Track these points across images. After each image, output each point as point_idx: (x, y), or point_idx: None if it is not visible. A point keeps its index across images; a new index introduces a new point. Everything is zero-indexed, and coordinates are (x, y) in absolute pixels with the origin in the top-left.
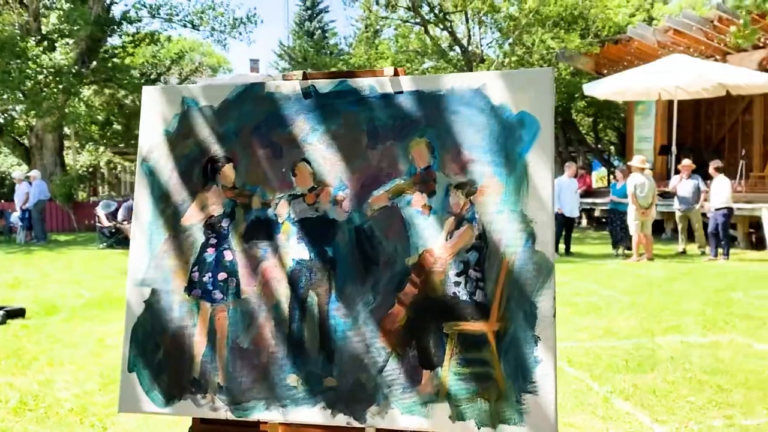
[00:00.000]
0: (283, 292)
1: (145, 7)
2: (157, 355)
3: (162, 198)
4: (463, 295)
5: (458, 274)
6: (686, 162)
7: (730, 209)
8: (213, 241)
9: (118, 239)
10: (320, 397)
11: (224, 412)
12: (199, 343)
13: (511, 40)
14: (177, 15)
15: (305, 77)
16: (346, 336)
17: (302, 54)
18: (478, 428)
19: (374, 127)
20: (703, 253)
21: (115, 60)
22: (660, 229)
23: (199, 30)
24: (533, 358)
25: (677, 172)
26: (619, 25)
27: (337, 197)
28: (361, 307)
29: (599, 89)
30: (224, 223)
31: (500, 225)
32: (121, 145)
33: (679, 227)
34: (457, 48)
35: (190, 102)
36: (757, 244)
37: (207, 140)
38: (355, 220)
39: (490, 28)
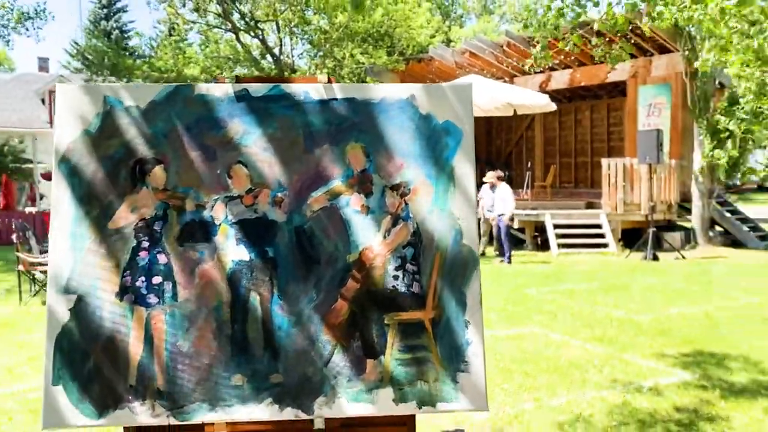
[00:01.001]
0: (223, 293)
1: None
2: (87, 365)
3: (85, 200)
4: (401, 287)
5: (396, 269)
6: (490, 174)
7: (511, 215)
8: (145, 244)
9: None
10: (267, 394)
11: (166, 418)
12: (134, 350)
13: (321, 53)
14: None
15: (238, 80)
16: (290, 333)
17: (98, 54)
18: (419, 408)
19: (310, 132)
20: (497, 255)
21: None
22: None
23: None
24: (465, 341)
25: (482, 183)
26: (422, 45)
27: (276, 199)
28: (305, 305)
29: None
30: (156, 226)
31: (432, 223)
32: None
33: (482, 231)
34: (269, 57)
35: (113, 101)
36: (542, 246)
37: (134, 141)
38: (295, 221)
39: (301, 40)
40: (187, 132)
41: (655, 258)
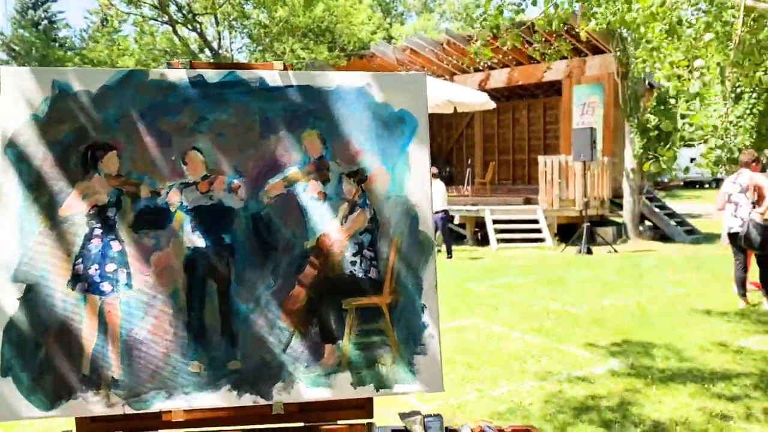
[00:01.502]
0: (179, 280)
1: None
2: (38, 355)
3: (33, 186)
4: (359, 273)
5: (354, 255)
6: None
7: (446, 211)
8: (98, 231)
9: None
10: (225, 380)
11: (121, 407)
12: (88, 339)
13: (261, 47)
14: None
15: (192, 66)
16: (248, 319)
17: (26, 45)
18: (377, 390)
19: (266, 118)
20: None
21: None
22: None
23: None
24: (421, 324)
25: None
26: (363, 41)
27: (232, 185)
28: (263, 291)
29: None
30: (110, 213)
31: (388, 209)
32: None
33: None
34: (207, 50)
35: (62, 85)
36: (482, 241)
37: (85, 126)
38: (252, 208)
39: (240, 34)
40: (141, 117)
41: (589, 252)
